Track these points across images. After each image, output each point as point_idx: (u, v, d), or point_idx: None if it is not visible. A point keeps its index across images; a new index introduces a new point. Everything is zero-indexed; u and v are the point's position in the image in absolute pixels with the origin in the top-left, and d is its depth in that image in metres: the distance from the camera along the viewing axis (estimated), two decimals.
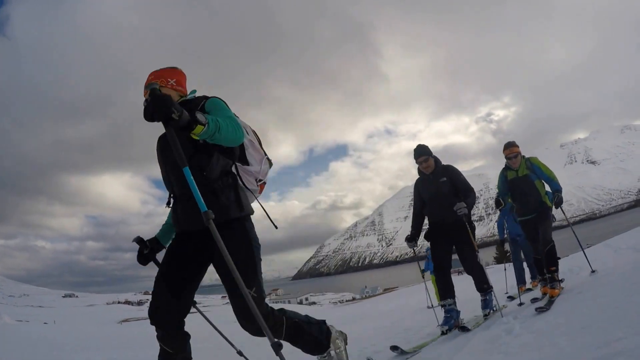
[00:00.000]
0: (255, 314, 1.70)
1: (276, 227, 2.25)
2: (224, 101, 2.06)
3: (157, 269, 2.07)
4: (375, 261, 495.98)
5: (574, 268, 5.98)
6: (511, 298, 5.65)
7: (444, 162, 4.16)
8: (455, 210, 3.74)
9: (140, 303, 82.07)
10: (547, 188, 4.56)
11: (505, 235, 6.56)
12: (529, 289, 5.97)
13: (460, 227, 3.84)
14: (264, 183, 2.32)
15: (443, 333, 3.66)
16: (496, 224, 7.31)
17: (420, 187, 4.25)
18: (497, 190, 4.82)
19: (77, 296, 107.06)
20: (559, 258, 4.43)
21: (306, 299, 73.19)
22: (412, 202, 4.47)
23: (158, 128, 2.13)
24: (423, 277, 5.88)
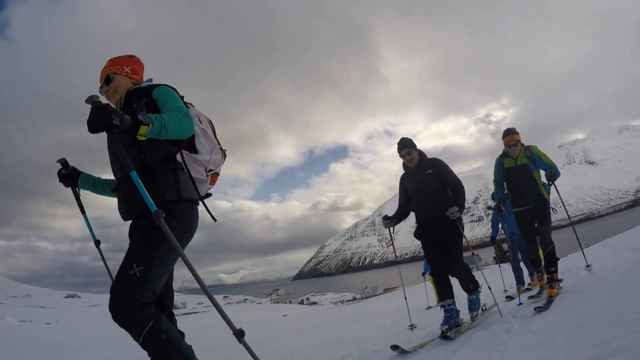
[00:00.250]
0: (121, 290, 1.70)
1: (215, 220, 2.19)
2: (174, 89, 2.05)
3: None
4: (375, 261, 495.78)
5: (573, 268, 6.00)
6: (510, 298, 5.67)
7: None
8: (448, 215, 3.66)
9: None
10: (544, 179, 4.41)
11: (500, 235, 6.51)
12: (528, 289, 5.99)
13: (448, 223, 3.72)
14: (217, 174, 2.26)
15: (443, 332, 3.67)
16: (492, 223, 6.92)
17: (405, 181, 4.11)
18: (493, 178, 4.66)
19: (79, 297, 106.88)
20: (558, 259, 4.43)
21: (307, 299, 73.19)
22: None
23: None
24: (424, 278, 5.91)
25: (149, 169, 1.90)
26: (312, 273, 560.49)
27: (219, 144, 2.22)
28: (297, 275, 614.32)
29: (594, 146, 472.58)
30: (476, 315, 3.98)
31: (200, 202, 2.09)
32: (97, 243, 2.31)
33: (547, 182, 4.45)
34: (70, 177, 2.26)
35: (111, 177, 2.19)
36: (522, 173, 4.35)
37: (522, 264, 6.43)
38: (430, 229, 3.89)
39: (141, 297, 1.71)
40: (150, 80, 2.20)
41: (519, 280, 6.17)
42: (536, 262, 4.67)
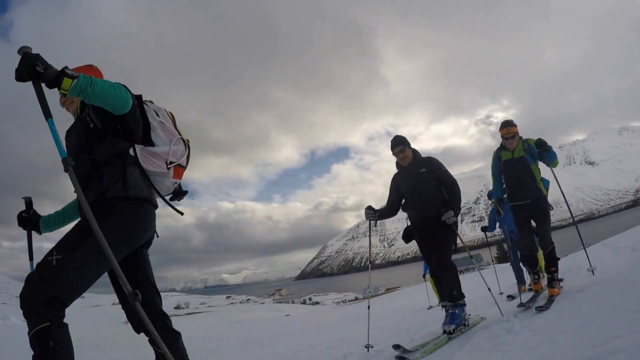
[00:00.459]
0: (30, 279, 1.62)
1: (181, 214, 2.15)
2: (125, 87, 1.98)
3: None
4: (377, 261, 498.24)
5: (573, 267, 6.04)
6: (511, 297, 5.68)
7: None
8: (444, 220, 3.54)
9: None
10: (543, 175, 4.30)
11: (499, 235, 6.46)
12: (530, 289, 6.00)
13: (443, 223, 3.59)
14: (182, 167, 2.18)
15: (445, 332, 3.68)
16: (490, 215, 6.79)
17: (398, 180, 3.96)
18: (491, 171, 4.54)
19: (83, 296, 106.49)
20: (559, 259, 4.42)
21: (309, 299, 73.21)
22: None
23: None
24: (424, 279, 5.93)
25: (98, 169, 1.85)
26: (315, 273, 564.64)
27: (180, 135, 2.16)
28: (299, 276, 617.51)
29: (594, 147, 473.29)
30: (453, 331, 3.46)
31: (155, 201, 2.01)
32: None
33: (546, 179, 4.34)
34: (30, 221, 2.19)
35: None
36: (519, 166, 4.22)
37: (521, 263, 6.46)
38: (425, 229, 3.78)
39: (50, 287, 1.59)
40: None
41: (520, 279, 6.17)
42: (532, 261, 4.54)
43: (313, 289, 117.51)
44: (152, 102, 2.15)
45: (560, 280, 4.43)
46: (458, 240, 3.78)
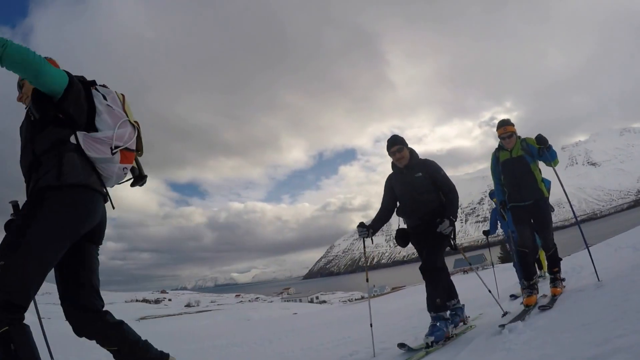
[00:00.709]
0: None
1: (113, 208, 2.07)
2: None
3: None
4: (383, 261, 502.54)
5: (576, 267, 6.05)
6: (514, 297, 5.70)
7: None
8: (440, 231, 3.33)
9: (157, 301, 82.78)
10: (544, 175, 4.15)
11: (501, 236, 6.44)
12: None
13: (437, 231, 3.37)
14: (130, 150, 2.08)
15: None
16: (491, 217, 6.69)
17: (393, 182, 3.73)
18: (490, 172, 4.37)
19: None
20: (561, 259, 4.42)
21: (317, 298, 73.43)
22: None
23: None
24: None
25: (37, 160, 1.82)
26: (322, 272, 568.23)
27: (128, 117, 2.09)
28: (307, 275, 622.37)
29: (596, 148, 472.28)
30: (431, 344, 3.14)
31: (96, 187, 1.92)
32: None
33: (547, 179, 4.23)
34: None
35: None
36: (518, 166, 4.05)
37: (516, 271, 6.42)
38: (423, 233, 3.58)
39: (1, 293, 1.57)
40: None
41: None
42: (527, 267, 4.17)
43: (320, 287, 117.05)
44: (104, 86, 2.12)
45: (563, 279, 4.44)
46: (455, 242, 3.63)
